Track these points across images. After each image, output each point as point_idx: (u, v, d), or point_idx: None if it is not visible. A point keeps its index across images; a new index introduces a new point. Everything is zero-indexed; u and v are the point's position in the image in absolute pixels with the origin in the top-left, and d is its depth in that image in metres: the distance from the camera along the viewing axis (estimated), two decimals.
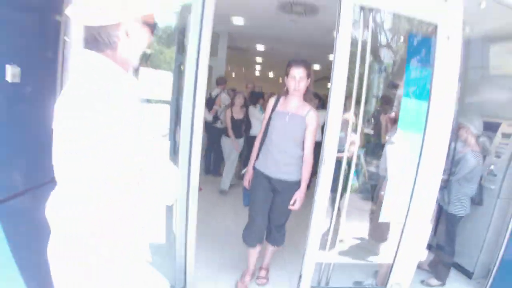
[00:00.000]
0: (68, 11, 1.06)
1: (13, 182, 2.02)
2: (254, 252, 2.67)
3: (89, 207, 1.08)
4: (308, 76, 2.42)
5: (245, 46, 8.24)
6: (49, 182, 2.27)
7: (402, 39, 2.75)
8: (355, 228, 3.23)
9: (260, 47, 8.24)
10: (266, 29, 5.70)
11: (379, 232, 2.94)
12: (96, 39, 1.04)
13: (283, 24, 5.09)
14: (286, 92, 2.52)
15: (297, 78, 2.38)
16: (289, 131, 2.45)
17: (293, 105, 2.49)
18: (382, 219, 2.51)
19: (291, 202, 2.44)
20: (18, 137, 2.11)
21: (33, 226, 1.75)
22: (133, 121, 1.05)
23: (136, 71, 2.04)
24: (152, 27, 1.16)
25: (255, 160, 2.62)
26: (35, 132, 2.25)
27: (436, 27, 2.32)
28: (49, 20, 2.30)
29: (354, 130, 2.90)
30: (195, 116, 2.22)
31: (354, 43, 2.31)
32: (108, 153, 1.04)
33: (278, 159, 2.47)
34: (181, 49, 2.54)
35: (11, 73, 1.89)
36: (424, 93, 2.37)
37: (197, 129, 2.25)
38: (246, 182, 2.70)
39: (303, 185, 2.46)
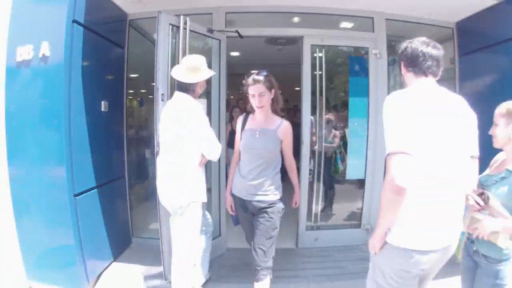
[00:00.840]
0: (174, 72, 2.31)
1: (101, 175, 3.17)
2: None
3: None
4: (270, 88, 2.30)
5: (241, 72, 9.48)
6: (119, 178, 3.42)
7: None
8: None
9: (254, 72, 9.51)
10: (258, 56, 6.90)
11: None
12: (187, 88, 2.34)
13: (271, 52, 6.27)
14: (252, 110, 2.41)
15: (256, 95, 2.27)
16: (261, 148, 2.30)
17: (262, 119, 2.37)
18: (348, 176, 3.69)
19: (293, 204, 2.57)
20: (108, 144, 3.30)
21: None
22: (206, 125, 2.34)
23: None
24: (207, 81, 2.49)
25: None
26: (115, 141, 3.47)
27: (367, 48, 3.55)
28: (117, 72, 3.55)
29: (335, 127, 4.09)
30: (220, 120, 3.47)
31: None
32: (197, 145, 2.31)
33: (252, 180, 2.31)
34: None
35: (104, 105, 3.10)
36: (364, 93, 3.58)
37: (222, 129, 3.50)
38: (229, 208, 2.57)
39: (297, 189, 2.57)
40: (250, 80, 2.28)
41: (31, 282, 2.96)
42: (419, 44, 1.61)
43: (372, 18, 3.63)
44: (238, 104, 6.24)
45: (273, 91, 2.32)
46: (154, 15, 3.29)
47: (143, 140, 4.09)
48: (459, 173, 1.54)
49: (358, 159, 3.65)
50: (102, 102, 3.10)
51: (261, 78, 2.26)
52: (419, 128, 1.43)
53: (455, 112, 1.56)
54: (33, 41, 2.60)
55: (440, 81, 1.66)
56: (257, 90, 2.25)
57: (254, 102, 2.30)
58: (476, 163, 1.72)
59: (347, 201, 4.19)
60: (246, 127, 2.42)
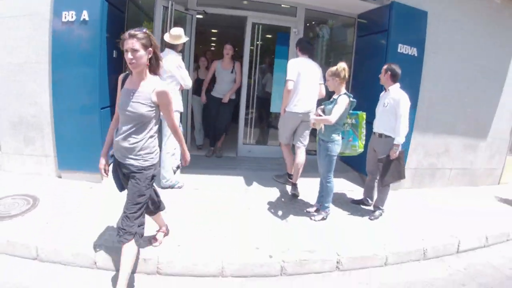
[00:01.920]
0: (166, 37, 3.98)
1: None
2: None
3: None
4: (146, 46, 2.19)
5: (203, 30, 10.90)
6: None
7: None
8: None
9: (214, 30, 11.01)
10: (219, 20, 8.37)
11: None
12: (172, 46, 4.10)
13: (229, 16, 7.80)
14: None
15: (129, 50, 2.15)
16: (134, 110, 2.24)
17: (137, 80, 2.28)
18: (271, 110, 5.68)
19: (183, 163, 2.61)
20: (115, 79, 4.84)
21: None
22: (183, 66, 4.17)
23: None
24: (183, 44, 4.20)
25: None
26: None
27: (290, 28, 5.40)
28: (120, 29, 5.03)
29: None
30: (189, 67, 5.17)
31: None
32: (178, 78, 4.17)
33: (125, 142, 2.30)
34: None
35: (115, 53, 4.68)
36: (285, 57, 5.46)
37: (190, 73, 5.20)
38: (101, 171, 2.53)
39: (184, 147, 2.54)
40: (126, 34, 2.18)
41: (62, 171, 4.59)
42: (305, 42, 4.44)
43: (296, 7, 5.46)
44: (205, 55, 6.88)
45: (150, 49, 2.23)
46: None
47: None
48: (313, 87, 4.36)
49: (279, 99, 5.53)
50: (114, 51, 4.68)
51: (137, 33, 2.16)
52: (299, 72, 4.21)
53: (313, 68, 4.38)
54: (75, 9, 4.10)
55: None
56: (130, 45, 2.14)
57: (126, 58, 2.17)
58: (322, 86, 4.34)
59: (273, 127, 6.20)
60: (124, 86, 2.35)
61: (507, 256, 3.83)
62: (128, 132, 2.30)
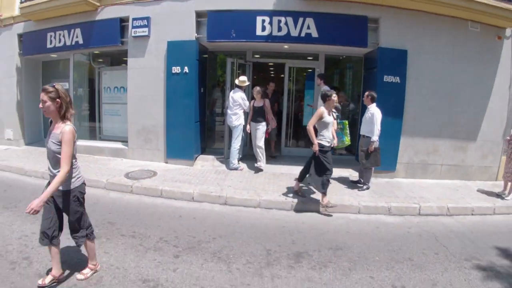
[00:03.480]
0: (236, 81, 6.98)
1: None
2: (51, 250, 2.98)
3: None
4: (54, 99, 2.66)
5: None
6: (201, 121, 8.42)
7: None
8: None
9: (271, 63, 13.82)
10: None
11: None
12: (240, 87, 7.09)
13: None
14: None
15: (41, 101, 2.67)
16: (50, 149, 2.75)
17: (54, 124, 2.78)
18: (304, 123, 8.16)
19: (28, 208, 2.56)
20: (200, 105, 8.42)
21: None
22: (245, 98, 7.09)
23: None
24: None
25: None
26: (202, 104, 8.50)
27: (314, 68, 7.94)
28: (204, 74, 8.17)
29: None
30: (249, 98, 7.94)
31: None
32: (242, 105, 7.02)
33: (50, 172, 2.82)
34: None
35: (202, 89, 7.76)
36: (312, 88, 7.97)
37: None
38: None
39: (44, 194, 2.65)
40: (42, 88, 2.67)
41: (168, 159, 7.55)
42: (325, 76, 7.27)
43: (318, 54, 8.03)
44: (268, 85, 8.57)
45: (58, 101, 2.68)
46: (219, 49, 7.81)
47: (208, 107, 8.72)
48: None
49: (309, 117, 7.85)
50: (201, 88, 7.65)
51: (47, 88, 2.66)
52: None
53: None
54: (180, 66, 7.16)
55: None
56: (41, 96, 2.65)
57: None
58: None
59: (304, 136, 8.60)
60: (50, 129, 2.82)
61: (460, 221, 5.39)
62: (51, 164, 2.84)
